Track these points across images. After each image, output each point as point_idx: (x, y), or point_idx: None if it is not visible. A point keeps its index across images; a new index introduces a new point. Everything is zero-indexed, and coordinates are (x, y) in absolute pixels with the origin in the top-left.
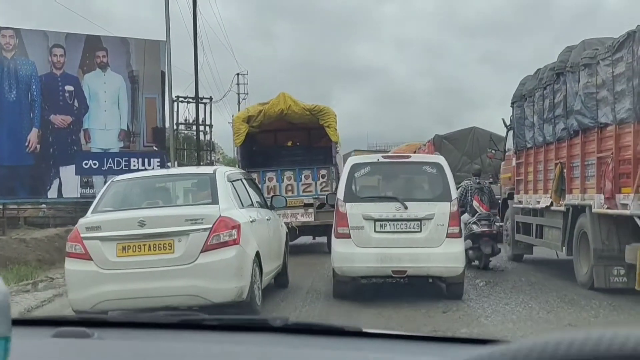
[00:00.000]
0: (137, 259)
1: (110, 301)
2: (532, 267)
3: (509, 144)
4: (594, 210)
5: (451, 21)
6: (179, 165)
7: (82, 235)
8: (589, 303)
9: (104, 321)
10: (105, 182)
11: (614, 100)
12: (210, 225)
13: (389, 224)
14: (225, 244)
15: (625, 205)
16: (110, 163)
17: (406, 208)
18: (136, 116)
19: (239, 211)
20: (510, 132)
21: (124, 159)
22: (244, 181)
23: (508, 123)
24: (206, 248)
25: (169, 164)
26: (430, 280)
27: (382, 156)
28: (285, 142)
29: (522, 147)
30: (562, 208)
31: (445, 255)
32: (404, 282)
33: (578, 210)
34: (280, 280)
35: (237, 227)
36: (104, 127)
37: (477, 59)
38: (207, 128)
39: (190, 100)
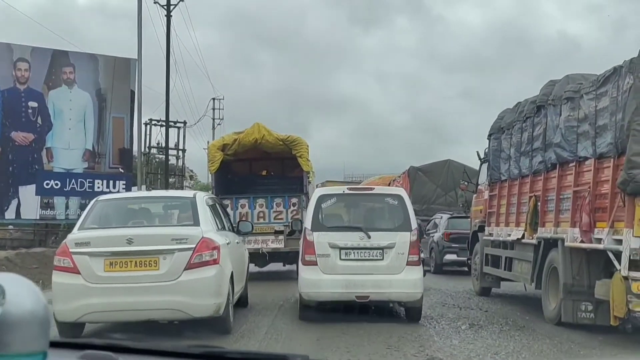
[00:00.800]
0: (123, 274)
1: (96, 313)
2: (514, 306)
3: (482, 176)
4: (566, 244)
5: (432, 57)
6: (148, 189)
7: (71, 250)
8: (589, 352)
9: (128, 347)
10: (66, 204)
11: (595, 135)
12: (194, 245)
13: (354, 252)
14: (206, 263)
15: (599, 240)
16: (73, 184)
17: (369, 237)
18: (102, 136)
19: (217, 233)
20: (484, 165)
21: (87, 180)
22: (218, 206)
23: (482, 156)
24: (189, 266)
25: (134, 188)
26: (391, 305)
27: (348, 188)
28: (260, 171)
29: (497, 179)
30: (534, 241)
31: (405, 281)
32: (371, 310)
33: (550, 243)
34: (241, 301)
35: (217, 248)
36: (68, 146)
37: (456, 94)
38: (180, 153)
39: (164, 123)
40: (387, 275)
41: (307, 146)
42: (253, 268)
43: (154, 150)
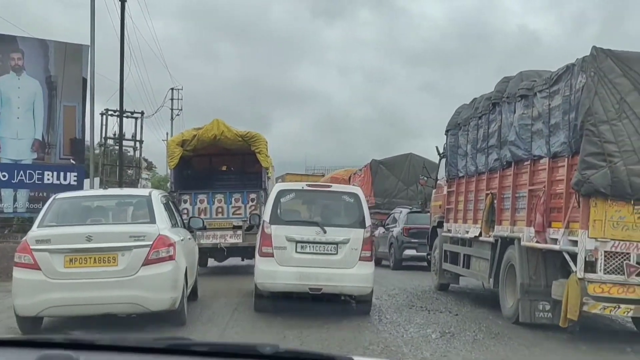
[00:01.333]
0: (83, 270)
1: (56, 308)
2: (484, 308)
3: (442, 172)
4: (522, 243)
5: (394, 49)
6: (102, 182)
7: (31, 247)
8: None
9: (90, 344)
10: (14, 196)
11: (549, 133)
12: (151, 242)
13: (309, 246)
14: (163, 260)
15: (554, 240)
16: (21, 175)
17: (325, 232)
18: (52, 125)
19: (172, 231)
20: (443, 160)
21: (37, 171)
22: (170, 204)
23: (442, 151)
24: (146, 262)
25: (87, 180)
26: (343, 298)
27: (307, 184)
28: (220, 167)
29: (454, 175)
30: (491, 239)
31: (357, 276)
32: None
33: (507, 242)
34: (192, 295)
35: (173, 245)
36: (16, 135)
37: (417, 87)
38: (137, 144)
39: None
40: (340, 269)
41: (266, 142)
42: (212, 262)
43: (110, 142)
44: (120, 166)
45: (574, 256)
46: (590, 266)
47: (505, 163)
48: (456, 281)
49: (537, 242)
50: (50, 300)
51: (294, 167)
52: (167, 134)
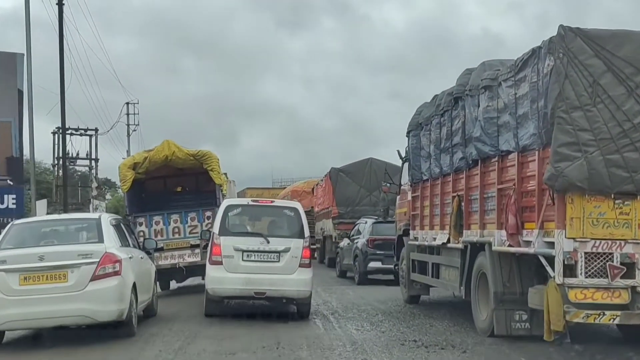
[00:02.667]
0: (36, 287)
1: (13, 322)
2: (459, 323)
3: (405, 176)
4: (494, 248)
5: (358, 59)
6: (50, 204)
7: None
8: None
9: None
10: None
11: (517, 125)
12: (98, 259)
13: (254, 255)
14: (109, 275)
15: (528, 243)
16: None
17: (268, 242)
18: None
19: (120, 249)
20: (406, 165)
21: None
22: (122, 225)
23: (404, 155)
24: (94, 278)
25: (40, 202)
26: (284, 301)
27: (251, 200)
28: (174, 188)
29: (418, 179)
30: (460, 245)
31: (297, 281)
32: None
33: (477, 247)
34: (149, 310)
35: (119, 261)
36: None
37: (384, 95)
38: (93, 162)
39: (74, 131)
40: (282, 275)
41: (218, 159)
42: (174, 284)
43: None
44: (64, 187)
45: (550, 259)
46: (569, 270)
47: (471, 162)
48: (426, 292)
49: (509, 245)
50: (7, 315)
51: (260, 182)
52: (126, 151)
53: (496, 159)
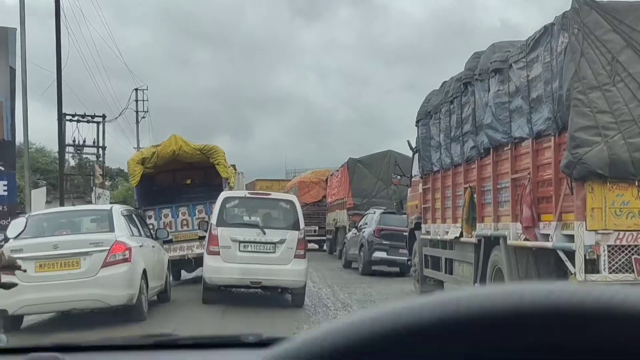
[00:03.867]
0: (51, 273)
1: (30, 306)
2: None
3: (416, 168)
4: (509, 242)
5: (373, 49)
6: (49, 192)
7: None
8: None
9: (76, 345)
10: None
11: (530, 110)
12: (109, 248)
13: (251, 245)
14: (119, 262)
15: (546, 236)
16: None
17: (264, 233)
18: None
19: (130, 238)
20: (417, 155)
21: None
22: (134, 216)
23: (414, 145)
24: (105, 264)
25: (36, 191)
26: (279, 290)
27: (248, 192)
28: (184, 181)
29: (429, 170)
30: (473, 240)
31: (292, 271)
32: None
33: (491, 242)
34: (163, 296)
35: (129, 249)
36: None
37: (399, 87)
38: (100, 150)
39: (80, 118)
40: (277, 265)
41: (224, 153)
42: (185, 274)
43: (70, 149)
44: (60, 175)
45: (570, 254)
46: (591, 265)
47: (482, 150)
48: (440, 288)
49: (525, 239)
50: (24, 300)
51: (274, 173)
52: (136, 140)
53: (509, 146)
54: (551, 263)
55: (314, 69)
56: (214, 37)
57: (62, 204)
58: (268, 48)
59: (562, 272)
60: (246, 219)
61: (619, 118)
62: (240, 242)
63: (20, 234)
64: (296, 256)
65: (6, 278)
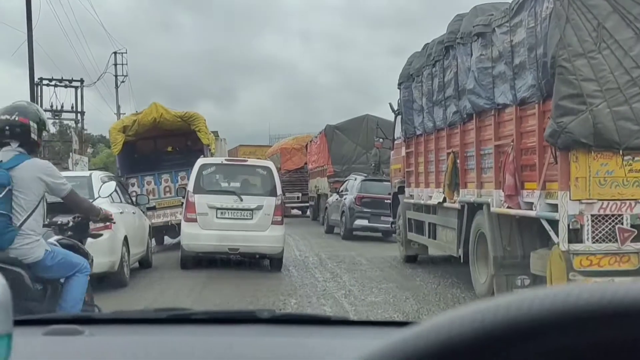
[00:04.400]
0: None
1: None
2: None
3: (398, 131)
4: (492, 209)
5: (359, 13)
6: None
7: None
8: None
9: (94, 318)
10: None
11: (514, 76)
12: None
13: (228, 212)
14: (100, 229)
15: (529, 204)
16: None
17: (242, 200)
18: None
19: (111, 205)
20: (399, 118)
21: None
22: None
23: (396, 108)
24: None
25: None
26: (257, 256)
27: (225, 159)
28: (165, 148)
29: (412, 134)
30: (457, 205)
31: (269, 237)
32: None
33: (474, 208)
34: (145, 262)
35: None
36: None
37: (385, 51)
38: (79, 116)
39: (58, 83)
40: (255, 232)
41: (204, 120)
42: (168, 240)
43: (48, 114)
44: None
45: (554, 223)
46: (575, 234)
47: (465, 116)
48: (425, 252)
49: (508, 207)
50: None
51: (258, 138)
52: (118, 107)
53: (492, 112)
54: (535, 229)
55: (298, 33)
56: (197, 1)
57: None
58: (252, 11)
59: (546, 240)
60: (223, 185)
61: (604, 86)
62: (217, 209)
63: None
64: (273, 222)
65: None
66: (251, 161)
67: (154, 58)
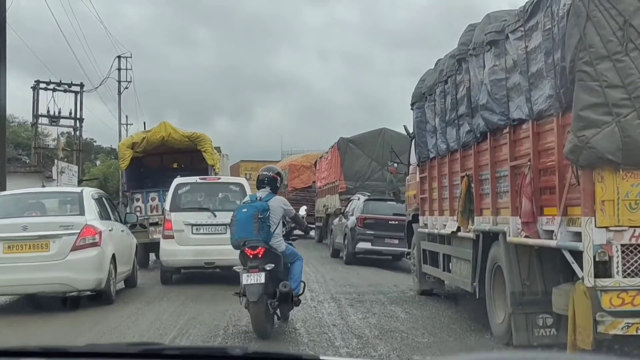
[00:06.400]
0: (20, 255)
1: None
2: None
3: (414, 155)
4: (508, 238)
5: (377, 33)
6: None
7: None
8: None
9: (63, 351)
10: None
11: (529, 86)
12: (79, 231)
13: (203, 228)
14: (89, 245)
15: (550, 233)
16: None
17: (215, 216)
18: None
19: (100, 222)
20: (414, 141)
21: None
22: (104, 200)
23: (411, 130)
24: (74, 248)
25: None
26: (233, 269)
27: (199, 178)
28: (171, 164)
29: (425, 157)
30: (471, 235)
31: None
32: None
33: (490, 237)
34: (130, 282)
35: (99, 233)
36: None
37: (402, 71)
38: (78, 123)
39: (57, 87)
40: (229, 246)
41: (211, 141)
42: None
43: (44, 120)
44: (2, 147)
45: (578, 255)
46: (602, 268)
47: (479, 135)
48: (441, 286)
49: (526, 236)
50: None
51: (271, 154)
52: (126, 117)
53: (507, 130)
54: (557, 261)
55: (315, 51)
56: (213, 14)
57: (3, 182)
58: (269, 28)
59: (570, 274)
60: (198, 203)
61: (633, 93)
62: (192, 225)
63: None
64: None
65: None
66: (224, 178)
67: (168, 71)
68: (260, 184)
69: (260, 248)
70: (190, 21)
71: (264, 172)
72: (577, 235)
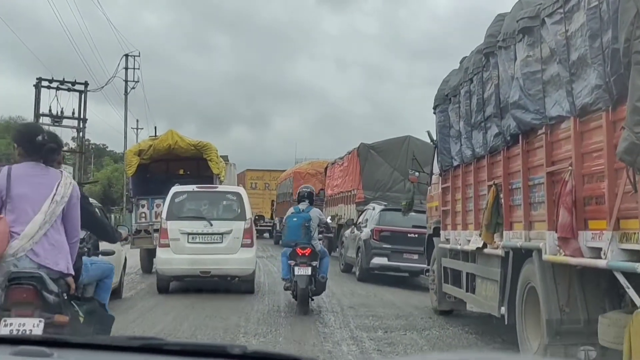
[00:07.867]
0: None
1: None
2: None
3: (437, 163)
4: (544, 257)
5: (396, 43)
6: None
7: None
8: None
9: (64, 342)
10: None
11: (571, 77)
12: None
13: (199, 237)
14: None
15: (596, 250)
16: None
17: (212, 225)
18: None
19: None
20: (437, 149)
21: None
22: (95, 209)
23: (434, 137)
24: None
25: None
26: (229, 279)
27: (196, 187)
28: (177, 171)
29: (448, 165)
30: (500, 252)
31: (240, 259)
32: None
33: (522, 255)
34: (115, 294)
35: None
36: None
37: (421, 82)
38: (81, 123)
39: (60, 85)
40: (225, 255)
41: (216, 150)
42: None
43: (46, 120)
44: None
45: (633, 277)
46: None
47: (509, 138)
48: (462, 306)
49: (566, 255)
50: None
51: (285, 163)
52: (137, 121)
53: (543, 130)
54: (603, 285)
55: (334, 60)
56: (232, 24)
57: None
58: (287, 36)
59: (619, 300)
60: (194, 211)
61: None
62: (188, 234)
63: None
64: (243, 245)
65: None
66: (222, 187)
67: (185, 77)
68: (301, 198)
69: (308, 249)
70: (209, 28)
71: (303, 189)
72: (633, 254)
